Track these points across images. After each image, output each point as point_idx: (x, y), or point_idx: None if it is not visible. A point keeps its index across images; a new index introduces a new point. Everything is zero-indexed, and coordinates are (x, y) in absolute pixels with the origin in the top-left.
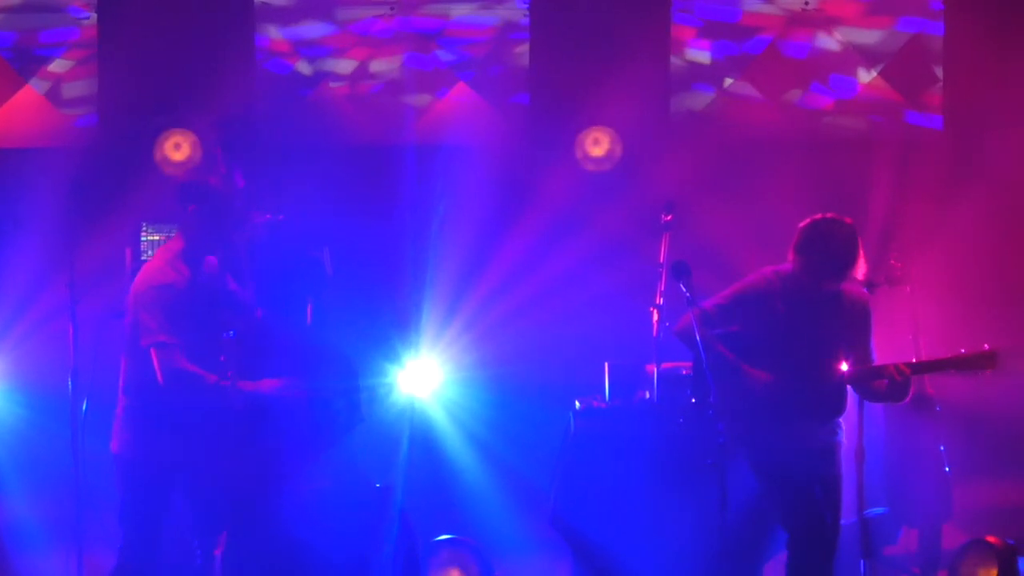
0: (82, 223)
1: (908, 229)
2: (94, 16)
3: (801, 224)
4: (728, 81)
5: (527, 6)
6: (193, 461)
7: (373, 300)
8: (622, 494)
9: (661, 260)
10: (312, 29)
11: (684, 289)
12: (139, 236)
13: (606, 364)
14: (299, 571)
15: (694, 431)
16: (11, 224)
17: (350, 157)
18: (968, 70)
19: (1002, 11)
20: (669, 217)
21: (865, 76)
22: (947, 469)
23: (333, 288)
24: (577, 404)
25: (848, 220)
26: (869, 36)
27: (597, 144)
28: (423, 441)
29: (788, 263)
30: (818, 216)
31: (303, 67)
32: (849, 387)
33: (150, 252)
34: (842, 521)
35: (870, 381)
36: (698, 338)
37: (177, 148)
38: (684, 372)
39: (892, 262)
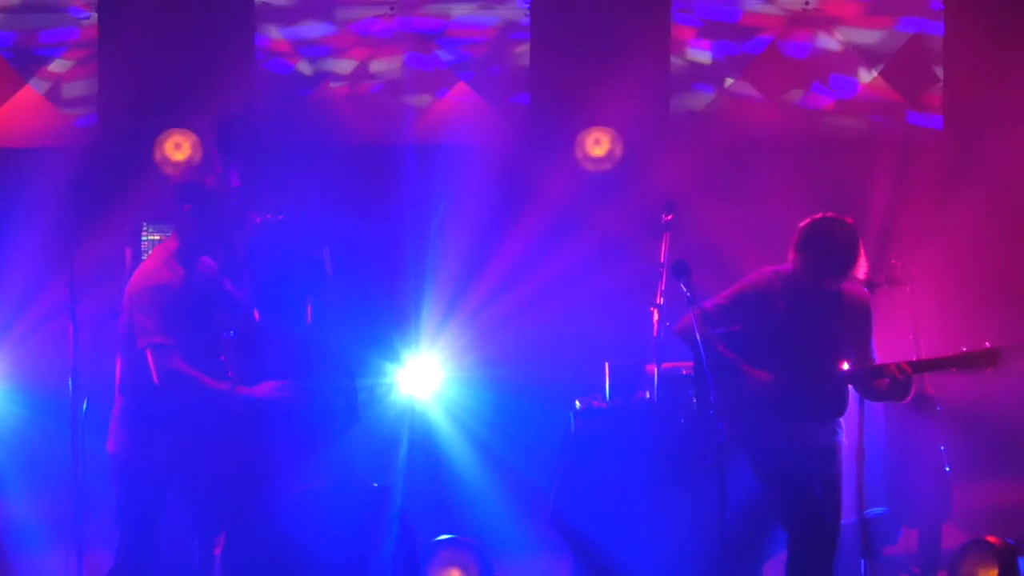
0: (82, 223)
1: (908, 229)
2: (94, 16)
3: (801, 223)
4: (728, 81)
5: (527, 6)
6: (190, 461)
7: (373, 300)
8: (622, 494)
9: (661, 260)
10: (312, 29)
11: (684, 289)
12: (139, 236)
13: (606, 364)
14: (298, 571)
15: (694, 431)
16: (11, 224)
17: (350, 157)
18: (968, 70)
19: (1002, 11)
20: (669, 217)
21: (865, 76)
22: (947, 469)
23: (333, 288)
24: (577, 404)
25: (848, 219)
26: (869, 36)
27: (597, 144)
28: (423, 441)
29: (789, 263)
30: (818, 215)
31: (303, 67)
32: (850, 387)
33: (150, 252)
34: (842, 521)
35: (871, 380)
36: (698, 338)
37: (177, 148)
38: (684, 372)
39: (892, 262)
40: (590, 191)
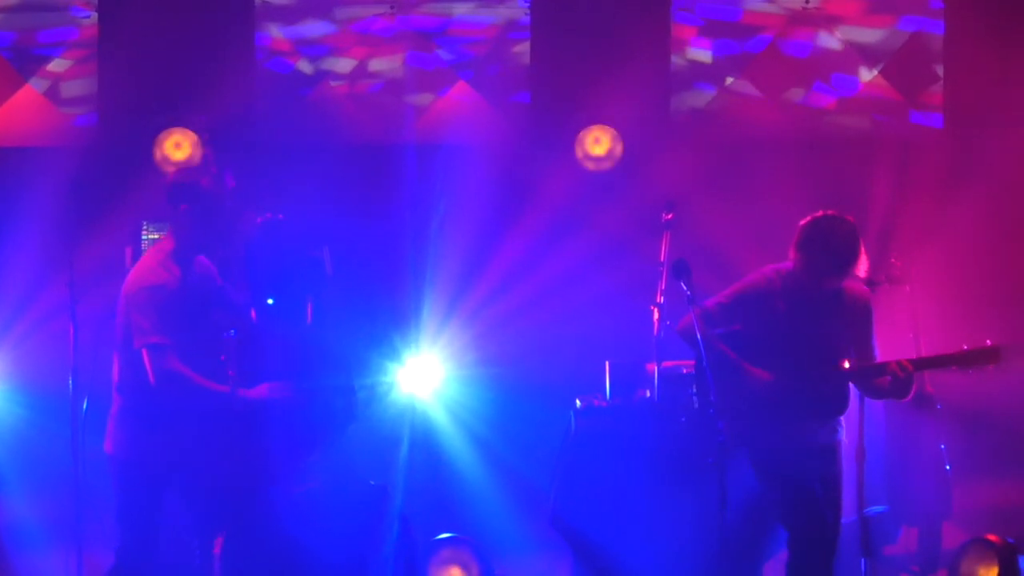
0: (82, 223)
1: (908, 228)
2: (94, 16)
3: (802, 222)
4: (729, 80)
5: (528, 5)
6: (188, 461)
7: (373, 299)
8: (622, 493)
9: (661, 259)
10: (312, 28)
11: (685, 288)
12: (139, 236)
13: (607, 363)
14: (297, 571)
15: (695, 430)
16: (11, 224)
17: (350, 156)
18: (968, 69)
19: (1002, 10)
20: (670, 216)
21: (865, 75)
22: (947, 468)
23: (333, 288)
24: (578, 403)
25: (849, 218)
26: (869, 35)
27: (598, 143)
28: (423, 440)
29: (789, 261)
30: (819, 214)
31: (303, 66)
32: (850, 386)
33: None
34: (842, 520)
35: (873, 378)
36: (699, 337)
37: (177, 147)
38: (684, 371)
39: (892, 261)
40: (590, 190)
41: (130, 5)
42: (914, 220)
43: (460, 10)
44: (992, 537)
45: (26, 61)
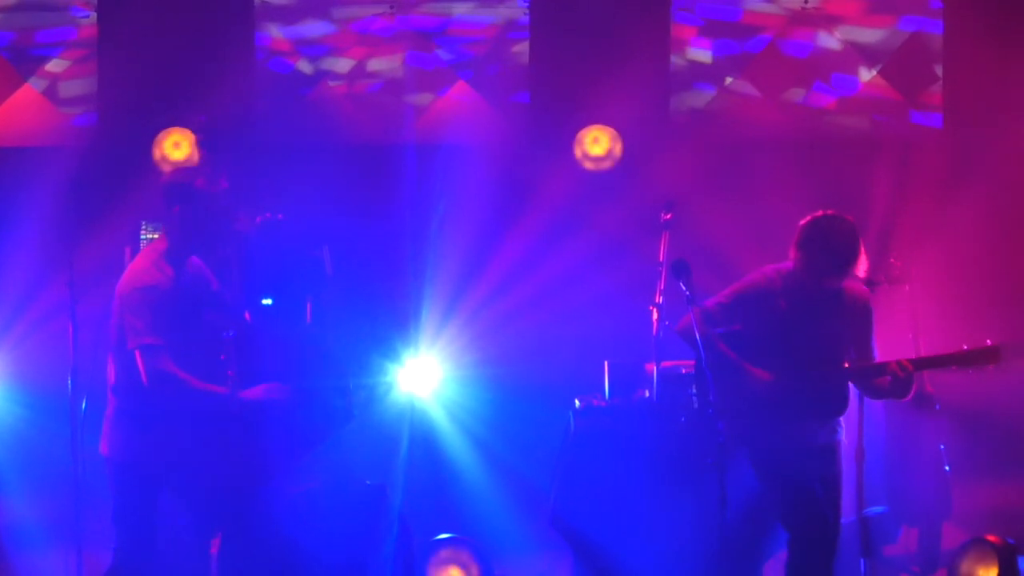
0: (81, 222)
1: (908, 228)
2: (94, 16)
3: (802, 222)
4: (728, 80)
5: (527, 5)
6: (184, 462)
7: (373, 299)
8: (622, 493)
9: (661, 259)
10: (312, 28)
11: (684, 288)
12: (139, 235)
13: (606, 363)
14: (295, 571)
15: (694, 430)
16: (11, 223)
17: (350, 156)
18: (968, 68)
19: (1002, 10)
20: (669, 216)
21: (865, 75)
22: (947, 468)
23: (333, 287)
24: (577, 403)
25: (849, 217)
26: (869, 35)
27: (597, 143)
28: (423, 440)
29: (789, 261)
30: (819, 213)
31: (303, 66)
32: (850, 386)
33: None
34: (842, 520)
35: (873, 378)
36: (698, 337)
37: (176, 147)
38: (684, 371)
39: (892, 261)
40: (590, 190)
41: (130, 5)
42: (914, 220)
43: (460, 10)
44: (992, 537)
45: (25, 61)
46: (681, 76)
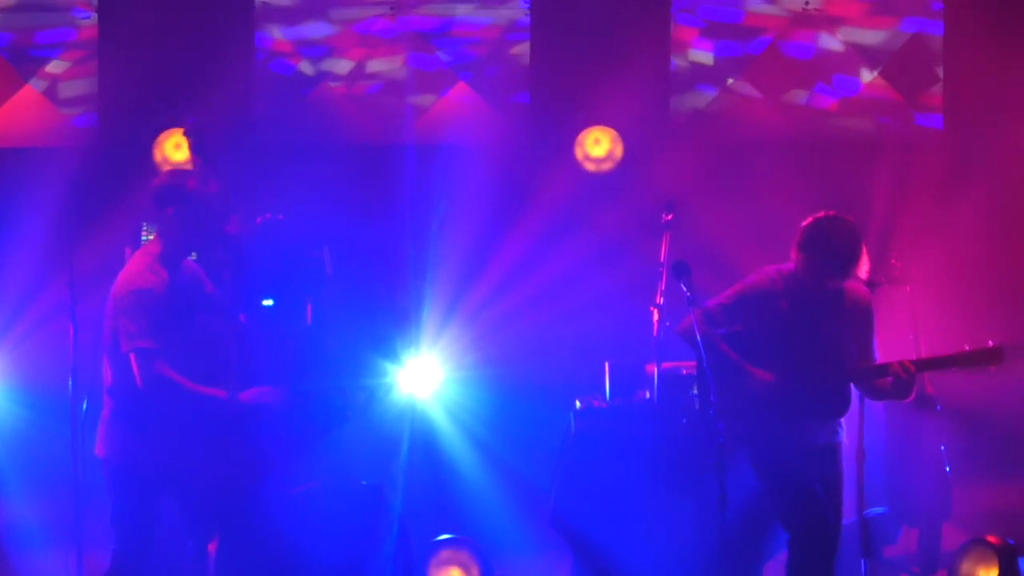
0: (82, 223)
1: (908, 228)
2: (94, 16)
3: (804, 222)
4: (729, 81)
5: (528, 6)
6: (180, 464)
7: (373, 300)
8: (622, 494)
9: (661, 260)
10: (312, 29)
11: (684, 289)
12: (139, 236)
13: (606, 364)
14: (294, 572)
15: (695, 431)
16: (11, 224)
17: (350, 157)
18: (968, 69)
19: (1002, 10)
20: (669, 217)
21: (866, 76)
22: (947, 469)
23: (333, 287)
24: (577, 404)
25: (850, 218)
26: (870, 36)
27: (598, 144)
28: (423, 441)
29: (791, 262)
30: (820, 214)
31: (304, 67)
32: (851, 387)
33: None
34: (842, 521)
35: (874, 379)
36: (699, 338)
37: (177, 148)
38: (684, 372)
39: (892, 261)
40: (590, 191)
41: (130, 5)
42: (914, 220)
43: (460, 11)
44: (992, 538)
45: (25, 61)
46: (683, 77)
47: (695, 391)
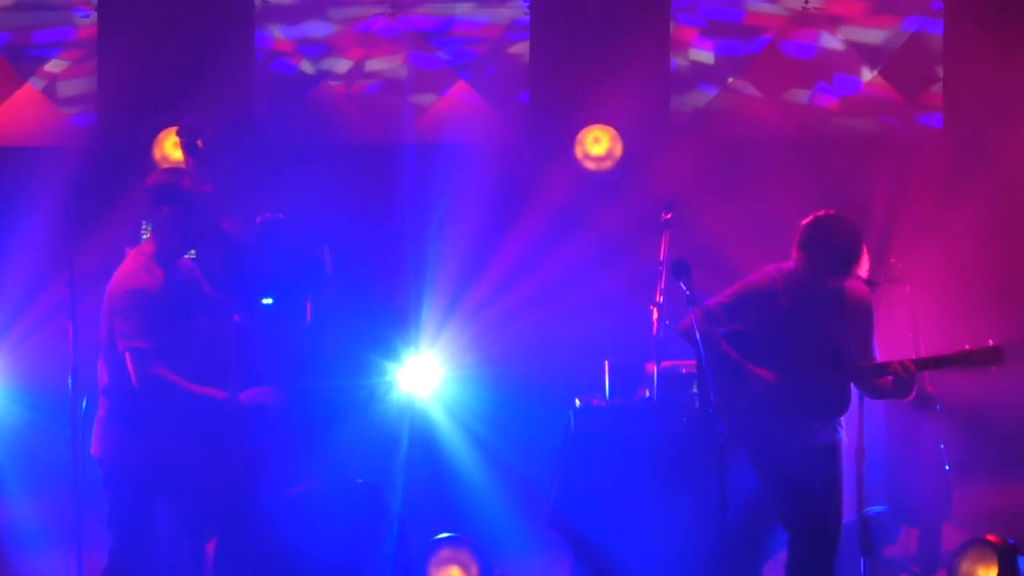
0: (82, 222)
1: (908, 228)
2: (94, 16)
3: (804, 221)
4: (730, 80)
5: (528, 5)
6: (176, 464)
7: (373, 299)
8: (622, 493)
9: (661, 259)
10: (312, 28)
11: (684, 288)
12: (139, 235)
13: (606, 363)
14: (292, 572)
15: (694, 430)
16: (11, 223)
17: (350, 156)
18: (968, 69)
19: (1002, 10)
20: (669, 216)
21: (866, 75)
22: (947, 468)
23: (333, 287)
24: (577, 403)
25: (851, 217)
26: (870, 35)
27: (598, 143)
28: (423, 440)
29: (791, 261)
30: (821, 213)
31: (304, 66)
32: (851, 386)
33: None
34: (842, 520)
35: (874, 378)
36: (699, 337)
37: (177, 147)
38: (684, 371)
39: (892, 261)
40: (590, 190)
41: (130, 4)
42: (914, 220)
43: (460, 10)
44: (992, 538)
45: (25, 60)
46: (683, 77)
47: (695, 390)
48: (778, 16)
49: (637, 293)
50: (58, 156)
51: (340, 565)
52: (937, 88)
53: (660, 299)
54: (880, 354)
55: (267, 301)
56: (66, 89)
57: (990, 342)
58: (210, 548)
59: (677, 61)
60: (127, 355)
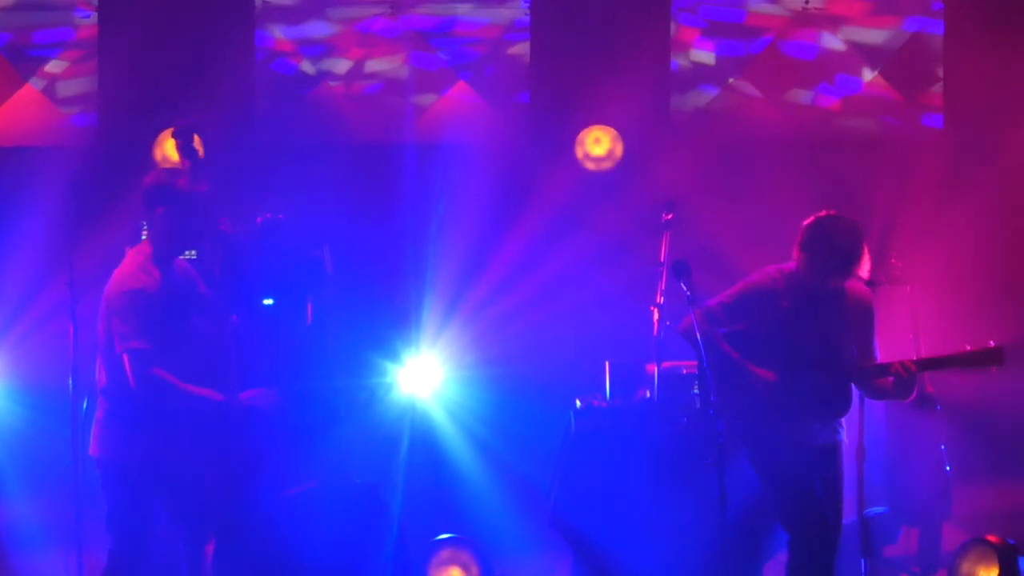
0: (82, 222)
1: (908, 228)
2: (94, 15)
3: (805, 222)
4: (731, 80)
5: (528, 5)
6: (174, 464)
7: (373, 299)
8: (622, 493)
9: (662, 259)
10: (312, 28)
11: (685, 288)
12: (139, 235)
13: (607, 363)
14: (291, 572)
15: (695, 430)
16: (11, 223)
17: (350, 156)
18: (968, 69)
19: (1002, 10)
20: (670, 216)
21: (867, 75)
22: (948, 468)
23: (333, 287)
24: (578, 403)
25: (851, 217)
26: (872, 35)
27: (598, 143)
28: (423, 440)
29: (792, 261)
30: (822, 213)
31: (304, 66)
32: (852, 386)
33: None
34: (843, 520)
35: (875, 378)
36: (699, 337)
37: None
38: (684, 371)
39: (892, 261)
40: (590, 190)
41: (130, 5)
42: (914, 220)
43: (460, 10)
44: (992, 538)
45: (25, 61)
46: (684, 77)
47: (696, 390)
48: (779, 16)
49: (637, 293)
50: (58, 156)
51: (340, 566)
52: (937, 88)
53: (660, 299)
54: (881, 354)
55: (268, 301)
56: (66, 89)
57: (991, 343)
58: (209, 549)
59: (678, 61)
60: (125, 356)
